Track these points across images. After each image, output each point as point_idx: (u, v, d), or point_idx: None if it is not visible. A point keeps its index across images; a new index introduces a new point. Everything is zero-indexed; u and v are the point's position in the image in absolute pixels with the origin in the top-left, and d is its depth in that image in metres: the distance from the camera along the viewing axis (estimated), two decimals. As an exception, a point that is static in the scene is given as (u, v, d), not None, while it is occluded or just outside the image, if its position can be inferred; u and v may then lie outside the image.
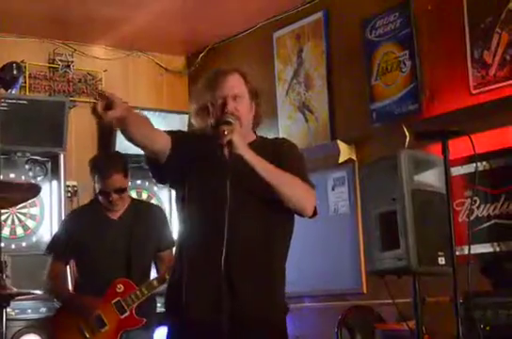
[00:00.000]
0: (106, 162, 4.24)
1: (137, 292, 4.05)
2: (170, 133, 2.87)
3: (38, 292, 4.01)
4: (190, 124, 6.81)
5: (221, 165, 2.69)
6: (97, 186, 4.16)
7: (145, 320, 4.06)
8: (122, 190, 4.15)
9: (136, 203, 4.35)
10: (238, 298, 2.67)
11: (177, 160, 2.81)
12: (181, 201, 2.85)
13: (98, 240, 4.12)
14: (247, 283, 2.70)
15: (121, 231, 4.15)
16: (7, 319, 3.74)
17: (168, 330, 2.85)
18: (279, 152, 2.87)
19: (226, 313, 2.63)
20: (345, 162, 5.61)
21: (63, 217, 6.03)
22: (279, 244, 2.83)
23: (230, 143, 2.63)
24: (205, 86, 2.85)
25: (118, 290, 4.03)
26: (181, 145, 2.82)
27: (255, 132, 2.98)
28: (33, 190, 3.71)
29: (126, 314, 4.03)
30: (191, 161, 2.81)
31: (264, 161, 2.70)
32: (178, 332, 2.78)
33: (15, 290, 3.76)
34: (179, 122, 6.50)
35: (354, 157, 5.59)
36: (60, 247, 4.23)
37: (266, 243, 2.77)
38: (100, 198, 4.16)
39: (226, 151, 2.65)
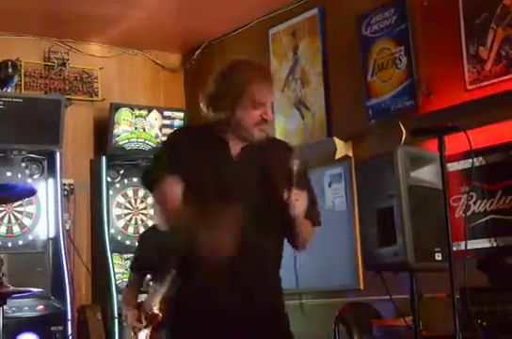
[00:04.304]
0: None
1: None
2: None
3: (34, 290, 4.03)
4: (187, 120, 6.85)
5: (226, 163, 2.78)
6: None
7: None
8: None
9: None
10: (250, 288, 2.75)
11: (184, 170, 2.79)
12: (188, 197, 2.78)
13: None
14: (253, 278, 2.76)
15: None
16: (3, 317, 3.76)
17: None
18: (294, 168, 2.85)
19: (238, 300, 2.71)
20: (342, 158, 5.61)
21: (60, 216, 6.07)
22: (277, 234, 2.86)
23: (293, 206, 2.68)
24: (247, 79, 2.75)
25: None
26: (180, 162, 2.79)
27: None
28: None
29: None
30: (194, 161, 2.79)
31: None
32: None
33: (12, 288, 3.76)
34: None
35: (350, 154, 5.59)
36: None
37: (269, 237, 2.82)
38: None
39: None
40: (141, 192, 6.64)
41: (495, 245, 4.47)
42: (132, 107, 6.66)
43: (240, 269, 2.70)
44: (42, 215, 6.11)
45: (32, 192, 3.75)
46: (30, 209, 6.07)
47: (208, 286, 2.73)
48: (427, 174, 3.70)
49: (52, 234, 6.07)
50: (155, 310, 4.32)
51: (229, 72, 2.80)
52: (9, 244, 5.92)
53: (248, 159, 2.81)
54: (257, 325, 2.74)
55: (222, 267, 2.67)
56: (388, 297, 3.63)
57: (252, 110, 2.74)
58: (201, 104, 2.82)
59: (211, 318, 2.72)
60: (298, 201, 2.68)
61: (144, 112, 6.71)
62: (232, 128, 2.78)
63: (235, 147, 2.81)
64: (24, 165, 6.09)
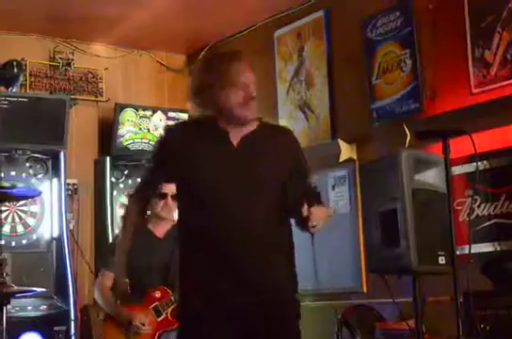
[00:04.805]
0: None
1: (171, 297, 4.24)
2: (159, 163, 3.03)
3: (37, 289, 4.04)
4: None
5: (228, 153, 2.80)
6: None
7: None
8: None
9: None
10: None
11: (175, 162, 2.86)
12: (188, 190, 2.85)
13: (144, 256, 4.29)
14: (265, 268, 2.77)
15: (165, 249, 4.30)
16: (7, 317, 3.76)
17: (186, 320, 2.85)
18: (295, 155, 2.93)
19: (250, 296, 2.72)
20: (346, 161, 5.60)
21: (63, 215, 6.07)
22: (286, 226, 2.87)
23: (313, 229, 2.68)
24: (218, 69, 2.81)
25: (156, 296, 4.29)
26: (172, 154, 2.87)
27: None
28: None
29: (162, 317, 4.27)
30: (191, 154, 2.82)
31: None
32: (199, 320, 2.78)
33: (15, 288, 3.77)
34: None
35: (354, 156, 5.58)
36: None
37: (277, 227, 2.83)
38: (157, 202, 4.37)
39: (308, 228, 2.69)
40: (145, 193, 6.63)
41: (499, 249, 4.46)
42: (136, 108, 6.67)
43: (241, 260, 2.73)
44: (46, 214, 6.11)
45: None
46: (34, 209, 6.08)
47: (210, 282, 2.74)
48: (431, 177, 3.70)
49: (55, 234, 6.07)
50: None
51: (207, 64, 2.88)
52: (13, 243, 5.92)
53: (250, 147, 2.82)
54: (257, 319, 2.74)
55: (223, 262, 2.71)
56: (391, 300, 3.63)
57: (238, 92, 2.79)
58: (190, 102, 2.88)
59: (214, 314, 2.73)
60: (320, 216, 2.68)
61: (149, 113, 6.71)
62: (224, 117, 2.81)
63: (236, 136, 2.82)
64: (28, 164, 6.09)
